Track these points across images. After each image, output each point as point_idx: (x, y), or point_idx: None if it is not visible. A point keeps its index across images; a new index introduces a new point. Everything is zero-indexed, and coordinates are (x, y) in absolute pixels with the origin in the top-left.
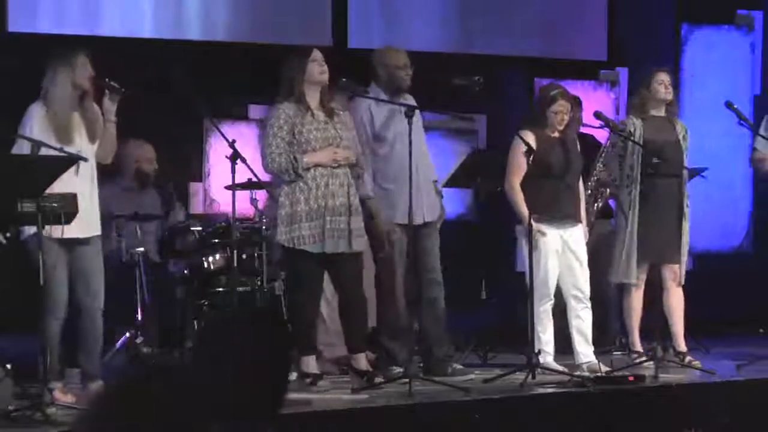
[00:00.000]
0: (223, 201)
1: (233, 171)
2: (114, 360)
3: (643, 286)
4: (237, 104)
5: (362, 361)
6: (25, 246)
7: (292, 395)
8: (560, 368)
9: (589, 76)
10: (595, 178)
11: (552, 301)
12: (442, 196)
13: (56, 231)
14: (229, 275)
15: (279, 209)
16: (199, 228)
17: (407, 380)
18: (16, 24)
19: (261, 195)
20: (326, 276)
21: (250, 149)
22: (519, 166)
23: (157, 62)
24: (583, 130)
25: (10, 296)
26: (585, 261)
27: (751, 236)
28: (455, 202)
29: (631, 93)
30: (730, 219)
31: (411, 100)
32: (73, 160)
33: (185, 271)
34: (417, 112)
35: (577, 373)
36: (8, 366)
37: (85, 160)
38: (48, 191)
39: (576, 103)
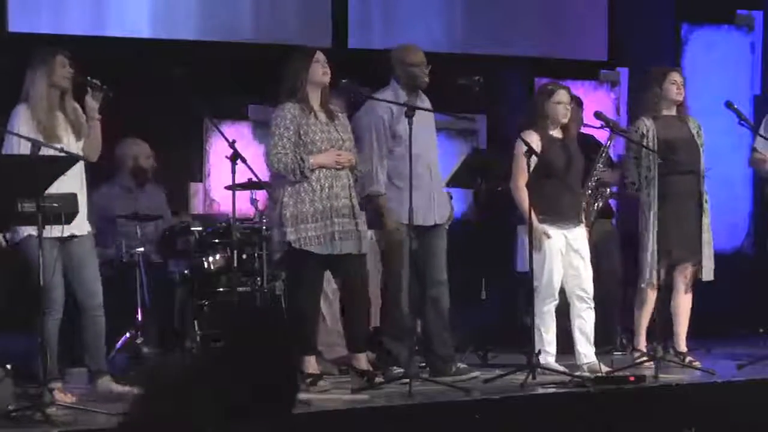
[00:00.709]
0: (223, 201)
1: (233, 171)
2: (116, 359)
3: (680, 287)
4: (237, 104)
5: (363, 361)
6: (18, 248)
7: None
8: (561, 368)
9: (589, 76)
10: (596, 178)
11: (556, 302)
12: (451, 197)
13: (49, 230)
14: (230, 275)
15: (283, 209)
16: (200, 228)
17: (407, 380)
18: (16, 24)
19: (261, 195)
20: (327, 276)
21: (250, 149)
22: (522, 167)
23: (157, 62)
24: (583, 130)
25: (10, 296)
26: (588, 261)
27: (751, 236)
28: (455, 202)
29: (631, 92)
30: (730, 219)
31: (425, 100)
32: (73, 160)
33: (185, 272)
34: (430, 113)
35: (578, 373)
36: (8, 366)
37: (86, 160)
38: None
39: (576, 103)
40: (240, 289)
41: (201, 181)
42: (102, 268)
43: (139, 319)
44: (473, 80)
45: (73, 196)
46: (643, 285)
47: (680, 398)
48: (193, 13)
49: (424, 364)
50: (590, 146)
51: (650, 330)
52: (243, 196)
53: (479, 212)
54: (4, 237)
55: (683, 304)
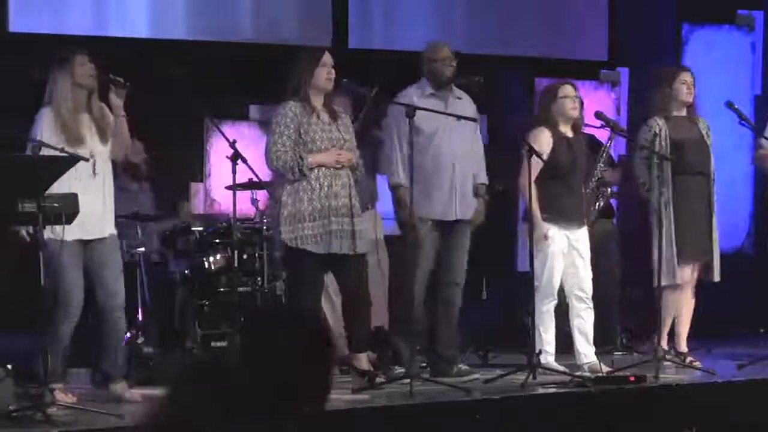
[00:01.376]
0: (223, 201)
1: (234, 171)
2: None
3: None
4: (237, 104)
5: (363, 361)
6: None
7: None
8: (561, 368)
9: (589, 76)
10: (597, 178)
11: (555, 301)
12: (485, 199)
13: (69, 233)
14: (230, 275)
15: (281, 208)
16: (200, 228)
17: (408, 380)
18: (16, 24)
19: (262, 195)
20: (330, 275)
21: (250, 149)
22: (527, 166)
23: (157, 62)
24: (583, 130)
25: (10, 296)
26: (588, 261)
27: (752, 237)
28: None
29: (631, 92)
30: (730, 219)
31: (464, 97)
32: (74, 160)
33: (186, 271)
34: (466, 110)
35: (578, 373)
36: (8, 366)
37: (86, 160)
38: (62, 191)
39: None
40: (240, 289)
41: (201, 181)
42: None
43: (140, 318)
44: (473, 80)
45: (73, 196)
46: (665, 285)
47: (680, 398)
48: (193, 13)
49: (425, 364)
50: (591, 146)
51: (650, 330)
52: (243, 196)
53: None
54: (28, 232)
55: (687, 302)
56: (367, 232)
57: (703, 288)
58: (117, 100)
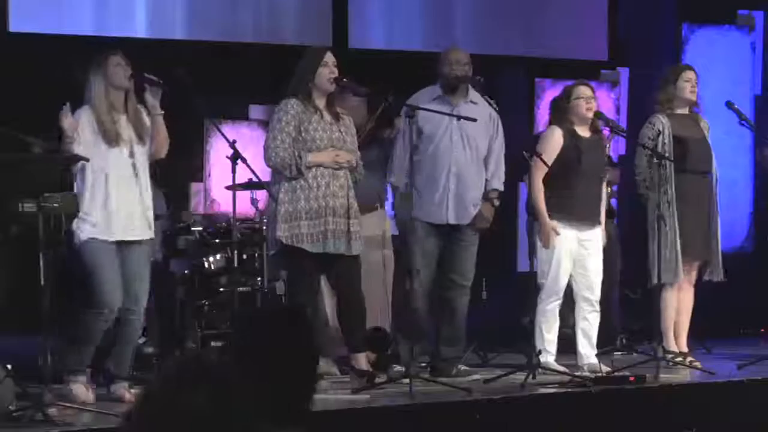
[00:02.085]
0: (223, 201)
1: (234, 171)
2: None
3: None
4: (237, 104)
5: (362, 361)
6: (78, 250)
7: None
8: (561, 368)
9: (589, 76)
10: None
11: (560, 301)
12: (494, 206)
13: (111, 234)
14: (230, 275)
15: (278, 206)
16: (200, 228)
17: (408, 380)
18: (16, 24)
19: (261, 195)
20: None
21: (250, 149)
22: (539, 165)
23: (156, 62)
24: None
25: (10, 296)
26: (600, 263)
27: (752, 237)
28: None
29: (631, 92)
30: (731, 219)
31: (478, 100)
32: (74, 159)
33: (186, 271)
34: (496, 119)
35: (578, 373)
36: (9, 366)
37: (87, 160)
38: (103, 192)
39: None
40: (240, 289)
41: (201, 181)
42: None
43: None
44: (473, 80)
45: (73, 197)
46: (668, 284)
47: (680, 398)
48: (193, 13)
49: (425, 364)
50: None
51: (651, 330)
52: (243, 196)
53: None
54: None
55: (686, 301)
56: (371, 229)
57: (703, 288)
58: (153, 100)
